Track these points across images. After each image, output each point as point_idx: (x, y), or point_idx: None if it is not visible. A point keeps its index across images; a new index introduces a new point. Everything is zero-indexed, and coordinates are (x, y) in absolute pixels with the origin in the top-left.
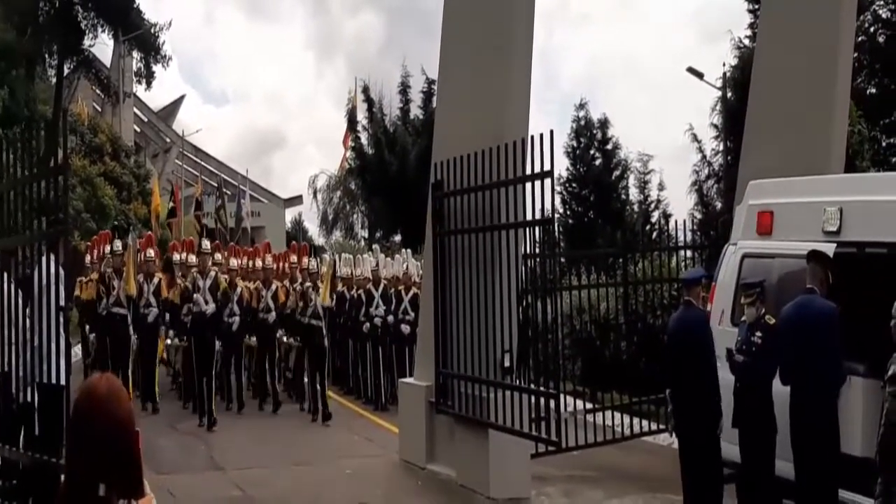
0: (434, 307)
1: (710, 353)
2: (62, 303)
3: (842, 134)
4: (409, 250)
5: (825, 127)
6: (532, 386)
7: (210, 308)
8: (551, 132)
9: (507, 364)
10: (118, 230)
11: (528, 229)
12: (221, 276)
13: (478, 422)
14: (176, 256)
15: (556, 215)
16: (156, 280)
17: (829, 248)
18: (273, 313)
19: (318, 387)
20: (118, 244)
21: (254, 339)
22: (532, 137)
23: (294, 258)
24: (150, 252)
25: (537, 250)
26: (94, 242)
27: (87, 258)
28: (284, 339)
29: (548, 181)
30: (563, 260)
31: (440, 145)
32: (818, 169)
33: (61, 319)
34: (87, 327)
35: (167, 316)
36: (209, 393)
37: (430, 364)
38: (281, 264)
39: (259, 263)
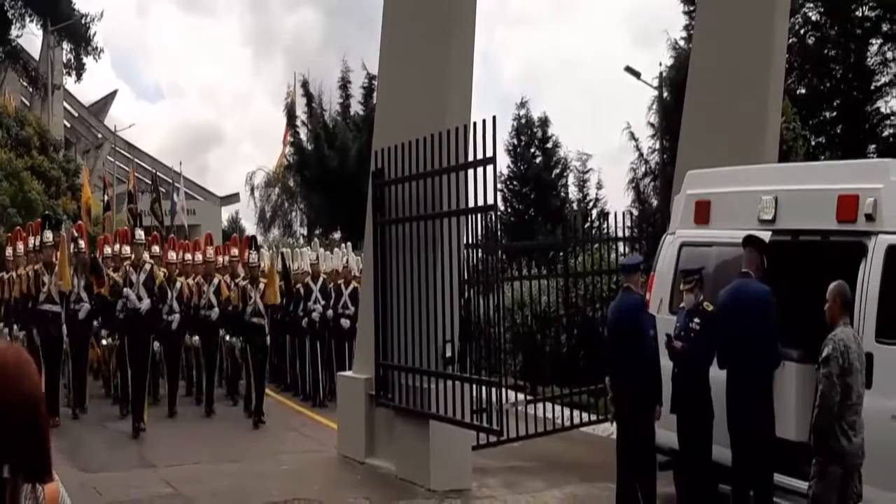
0: (374, 298)
1: (648, 337)
2: None
3: (775, 127)
4: (349, 244)
5: (759, 120)
6: (473, 375)
7: (145, 304)
8: (493, 118)
9: (448, 354)
10: (48, 220)
11: (469, 217)
12: (158, 270)
13: (419, 413)
14: (108, 249)
15: (499, 207)
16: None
17: (765, 236)
18: (216, 310)
19: (257, 389)
20: (48, 235)
21: (195, 338)
22: (475, 124)
23: (235, 251)
24: (81, 243)
25: (479, 239)
26: (15, 234)
27: (9, 251)
28: (227, 338)
29: (490, 168)
30: (503, 253)
31: (381, 132)
32: (753, 161)
33: None
34: (15, 326)
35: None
36: (138, 394)
37: (369, 356)
38: (221, 258)
39: (199, 257)
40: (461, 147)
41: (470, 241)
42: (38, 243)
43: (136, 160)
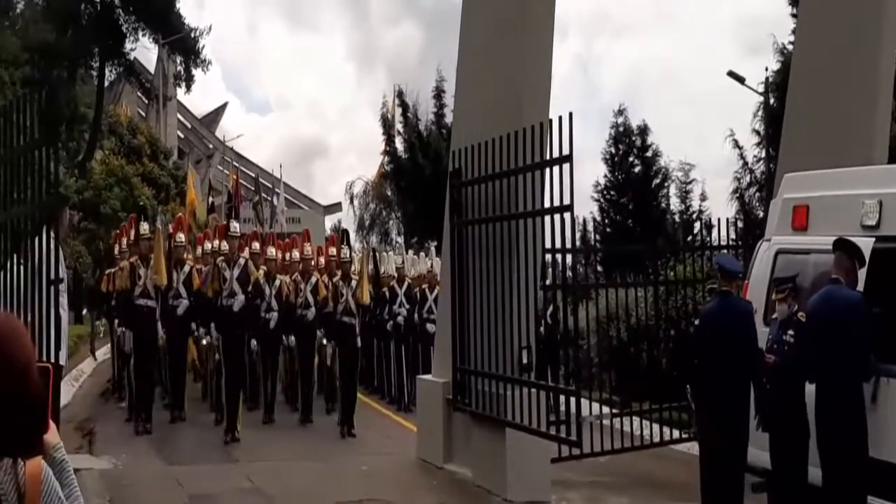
0: (452, 301)
1: (758, 349)
2: (56, 276)
3: (884, 131)
4: (433, 248)
5: (867, 123)
6: (551, 383)
7: (238, 301)
8: (570, 114)
9: (525, 360)
10: (144, 213)
11: (546, 218)
12: (253, 265)
13: (495, 420)
14: (207, 245)
15: (591, 214)
16: (186, 268)
17: (868, 244)
18: (312, 309)
19: (347, 397)
20: (145, 227)
21: (291, 338)
22: (551, 121)
23: (333, 251)
24: (181, 236)
25: (557, 242)
26: (122, 230)
27: (116, 248)
28: (323, 340)
29: (567, 166)
30: (595, 258)
31: (459, 133)
32: (860, 162)
33: (52, 293)
34: (116, 321)
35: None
36: (232, 398)
37: (447, 360)
38: (319, 258)
39: (296, 255)
40: (537, 145)
41: (546, 243)
42: (134, 236)
43: (243, 169)
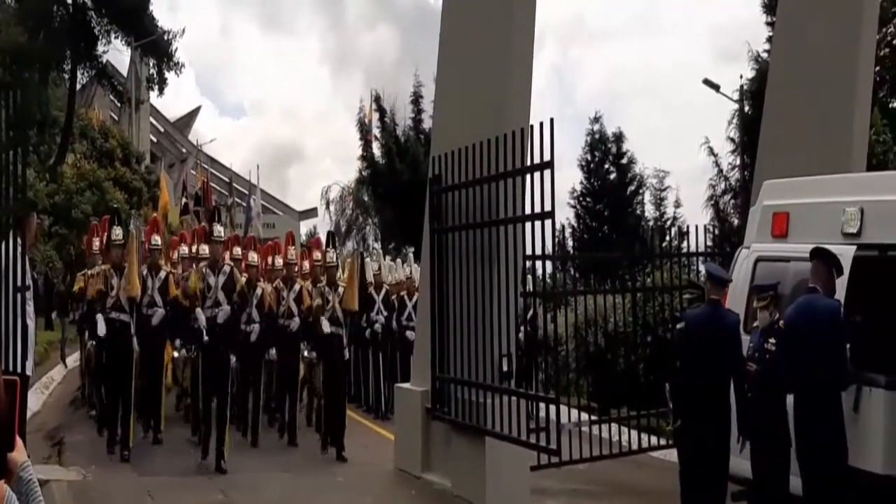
0: (431, 308)
1: (744, 362)
2: (23, 283)
3: (863, 139)
4: (411, 254)
5: (845, 131)
6: (531, 391)
7: (223, 312)
8: (551, 120)
9: (505, 368)
10: (118, 216)
11: (527, 225)
12: (238, 273)
13: (474, 429)
14: (184, 249)
15: (567, 221)
16: (162, 274)
17: (849, 251)
18: (296, 319)
19: (335, 417)
20: (118, 232)
21: (272, 351)
22: (532, 127)
23: (318, 255)
24: (156, 239)
25: (538, 249)
26: (93, 229)
27: (88, 249)
28: (305, 353)
29: (548, 173)
30: (567, 264)
31: (439, 138)
32: (838, 170)
33: (19, 301)
34: (87, 333)
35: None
36: (221, 420)
37: (426, 368)
38: (302, 262)
39: (279, 261)
40: (518, 151)
41: (528, 250)
42: (106, 242)
43: (218, 174)
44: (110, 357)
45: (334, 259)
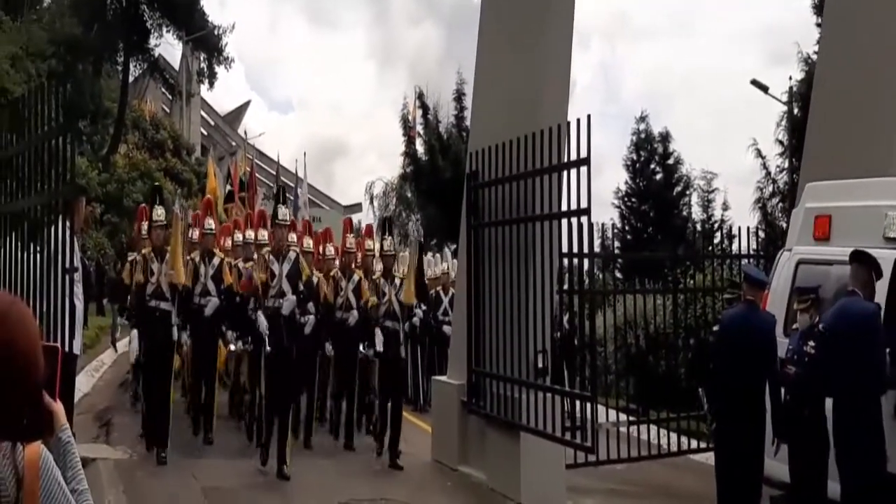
0: (467, 303)
1: (778, 364)
2: (71, 265)
3: None
4: (450, 252)
5: (891, 131)
6: (567, 388)
7: (289, 303)
8: (588, 116)
9: (540, 365)
10: (159, 194)
11: (563, 222)
12: (304, 260)
13: (509, 424)
14: (238, 236)
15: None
16: (216, 261)
17: (891, 255)
18: (354, 312)
19: (395, 415)
20: (159, 213)
21: (328, 346)
22: (569, 124)
23: (370, 244)
24: (210, 223)
25: (575, 247)
26: (140, 212)
27: (138, 233)
28: (361, 347)
29: (584, 169)
30: (615, 264)
31: (476, 134)
32: (884, 173)
33: (67, 282)
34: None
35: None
36: (283, 424)
37: (462, 362)
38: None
39: (330, 249)
40: (555, 148)
41: (564, 247)
42: (147, 224)
43: (266, 167)
44: (150, 349)
45: (391, 247)
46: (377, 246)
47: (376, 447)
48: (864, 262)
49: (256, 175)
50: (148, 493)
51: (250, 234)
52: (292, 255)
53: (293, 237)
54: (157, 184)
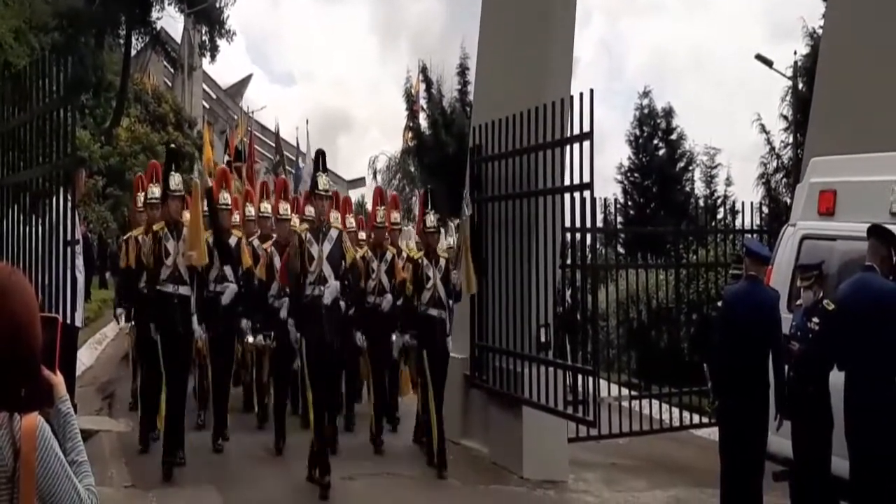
0: None
1: (780, 340)
2: (72, 237)
3: None
4: (453, 226)
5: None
6: (569, 362)
7: (331, 290)
8: (591, 91)
9: (543, 339)
10: (175, 158)
11: (566, 196)
12: (348, 239)
13: (512, 398)
14: (249, 210)
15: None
16: (233, 241)
17: None
18: (388, 297)
19: (436, 422)
20: (176, 181)
21: (359, 335)
22: (571, 98)
23: (396, 215)
24: (226, 196)
25: (577, 221)
26: (137, 180)
27: (135, 205)
28: (394, 336)
29: (587, 144)
30: (618, 239)
31: (480, 108)
32: (890, 148)
33: (68, 254)
34: (133, 310)
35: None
36: (320, 429)
37: (466, 336)
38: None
39: (351, 222)
40: (557, 122)
41: (567, 222)
42: (157, 193)
43: (268, 141)
44: (165, 345)
45: (434, 223)
46: (419, 222)
47: (426, 455)
48: (883, 237)
49: (256, 147)
50: (150, 465)
51: (266, 206)
52: (334, 233)
53: (310, 210)
54: (172, 146)
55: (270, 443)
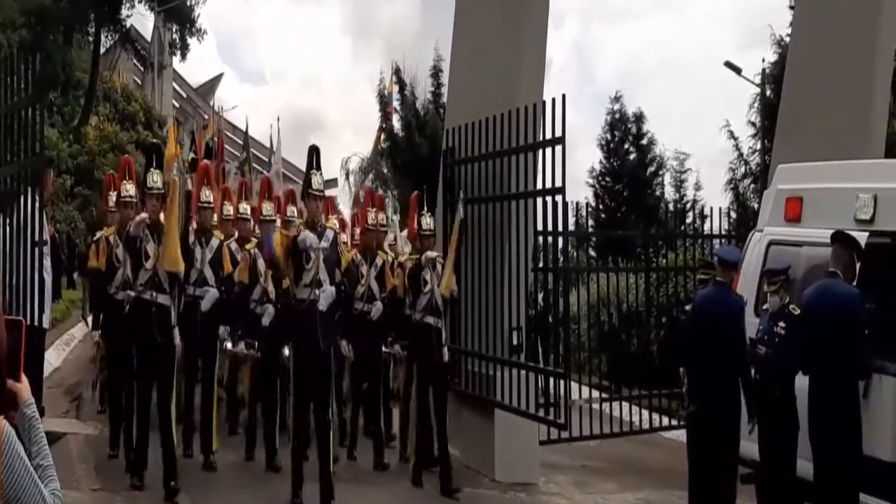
0: None
1: (745, 346)
2: (40, 237)
3: (881, 127)
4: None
5: (863, 118)
6: (541, 365)
7: (326, 296)
8: (563, 96)
9: (515, 342)
10: (155, 153)
11: (538, 200)
12: (342, 240)
13: (484, 401)
14: (227, 208)
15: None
16: (214, 242)
17: (861, 238)
18: (378, 304)
19: (443, 437)
20: (155, 178)
21: (344, 343)
22: (544, 103)
23: (383, 216)
24: (208, 194)
25: (549, 225)
26: (109, 179)
27: (105, 202)
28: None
29: (559, 148)
30: (589, 243)
31: (453, 111)
32: (855, 156)
33: (36, 255)
34: (101, 318)
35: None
36: (325, 447)
37: None
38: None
39: (334, 222)
40: (530, 126)
41: (539, 225)
42: (131, 191)
43: (238, 141)
44: (142, 356)
45: (431, 226)
46: (412, 224)
47: (411, 474)
48: (846, 244)
49: (226, 147)
50: (119, 468)
51: (245, 207)
52: (329, 234)
53: (292, 210)
54: (154, 141)
55: (260, 461)
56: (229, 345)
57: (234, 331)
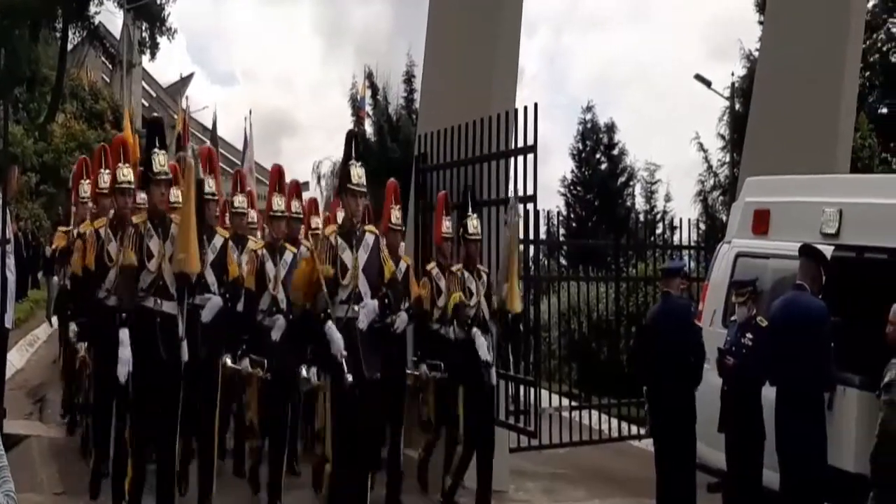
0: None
1: (699, 346)
2: (3, 236)
3: (847, 140)
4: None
5: (830, 131)
6: (511, 373)
7: (368, 310)
8: (535, 105)
9: None
10: (157, 129)
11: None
12: (384, 247)
13: None
14: (240, 200)
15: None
16: (217, 241)
17: (827, 251)
18: (403, 315)
19: (485, 468)
20: (161, 160)
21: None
22: (516, 111)
23: (397, 216)
24: (211, 183)
25: (521, 233)
26: (80, 166)
27: (75, 192)
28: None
29: (531, 157)
30: (560, 252)
31: (426, 117)
32: (822, 170)
33: (1, 254)
34: (75, 325)
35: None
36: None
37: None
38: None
39: (317, 223)
40: (502, 134)
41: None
42: (127, 177)
43: (208, 142)
44: (149, 373)
45: (477, 230)
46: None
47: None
48: (812, 257)
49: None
50: (84, 472)
51: (241, 199)
52: (370, 238)
53: (296, 205)
54: (155, 114)
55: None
56: (229, 361)
57: (237, 344)
